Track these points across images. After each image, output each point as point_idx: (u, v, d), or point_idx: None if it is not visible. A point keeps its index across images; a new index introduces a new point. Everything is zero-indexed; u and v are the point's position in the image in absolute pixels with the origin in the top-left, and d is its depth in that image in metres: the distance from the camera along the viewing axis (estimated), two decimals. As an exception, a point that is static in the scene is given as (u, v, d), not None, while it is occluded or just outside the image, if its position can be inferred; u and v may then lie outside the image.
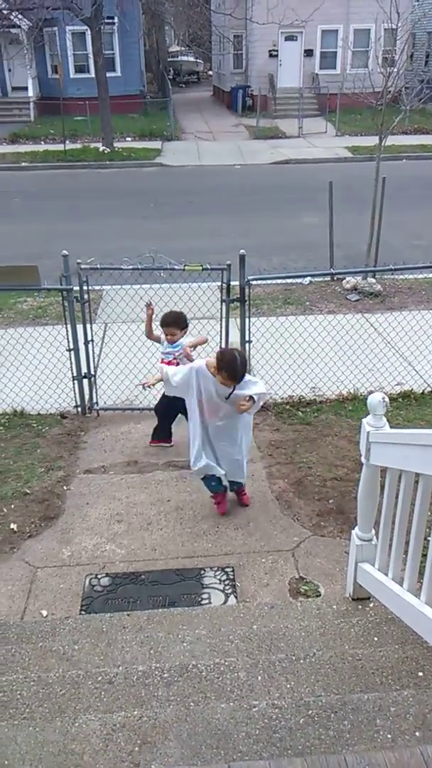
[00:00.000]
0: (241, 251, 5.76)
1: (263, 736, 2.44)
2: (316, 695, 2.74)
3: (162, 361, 5.25)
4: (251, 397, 4.24)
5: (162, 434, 5.66)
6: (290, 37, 27.98)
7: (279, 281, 9.24)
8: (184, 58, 48.54)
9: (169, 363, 5.25)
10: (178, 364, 5.12)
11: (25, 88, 27.39)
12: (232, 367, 4.08)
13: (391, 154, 16.67)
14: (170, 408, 5.41)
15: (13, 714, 2.75)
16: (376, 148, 9.68)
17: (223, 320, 5.94)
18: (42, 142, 22.94)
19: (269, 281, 8.71)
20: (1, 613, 3.89)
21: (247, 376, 4.32)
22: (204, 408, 4.35)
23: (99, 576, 4.20)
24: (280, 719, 2.52)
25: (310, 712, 2.55)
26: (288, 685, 2.83)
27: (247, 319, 5.97)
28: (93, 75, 22.13)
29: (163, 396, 5.38)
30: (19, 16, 24.25)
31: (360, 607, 3.49)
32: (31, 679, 2.94)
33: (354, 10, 26.59)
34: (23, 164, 20.25)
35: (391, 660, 2.96)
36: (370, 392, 3.16)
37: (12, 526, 4.66)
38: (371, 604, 3.48)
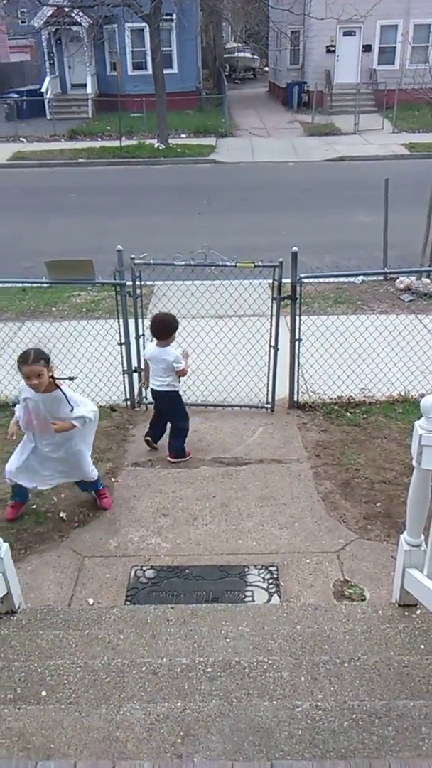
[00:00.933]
0: (294, 249, 5.72)
1: (306, 737, 2.44)
2: (360, 699, 2.72)
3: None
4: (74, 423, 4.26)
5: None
6: (348, 33, 27.58)
7: (331, 280, 9.15)
8: (241, 54, 48.43)
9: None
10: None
11: (84, 85, 27.88)
12: (22, 357, 4.08)
13: (450, 151, 16.29)
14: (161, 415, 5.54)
15: (60, 698, 2.82)
16: (436, 146, 9.45)
17: (274, 318, 5.92)
18: (99, 139, 23.30)
19: (321, 280, 8.63)
20: (49, 599, 3.99)
21: (78, 398, 4.33)
22: (33, 422, 4.30)
23: (144, 568, 4.26)
24: (324, 721, 2.50)
25: (354, 716, 2.53)
26: (332, 688, 2.81)
27: (297, 318, 5.93)
28: (150, 72, 22.34)
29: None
30: (80, 14, 24.69)
31: (407, 613, 3.44)
32: (78, 665, 3.01)
33: (414, 5, 26.04)
34: (80, 160, 20.61)
35: (438, 669, 2.91)
36: (422, 395, 3.09)
37: (62, 514, 4.77)
38: (418, 611, 3.42)
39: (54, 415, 4.24)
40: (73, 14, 24.61)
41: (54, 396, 4.21)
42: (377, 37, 27.65)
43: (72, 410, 4.22)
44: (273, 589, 4.05)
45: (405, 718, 2.50)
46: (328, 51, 28.01)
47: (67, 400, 4.21)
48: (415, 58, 24.43)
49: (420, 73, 10.53)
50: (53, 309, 8.78)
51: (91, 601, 3.99)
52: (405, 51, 26.68)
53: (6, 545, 3.37)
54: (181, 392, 5.57)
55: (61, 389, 4.21)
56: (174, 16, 25.62)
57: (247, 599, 3.97)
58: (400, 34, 26.49)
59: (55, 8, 23.90)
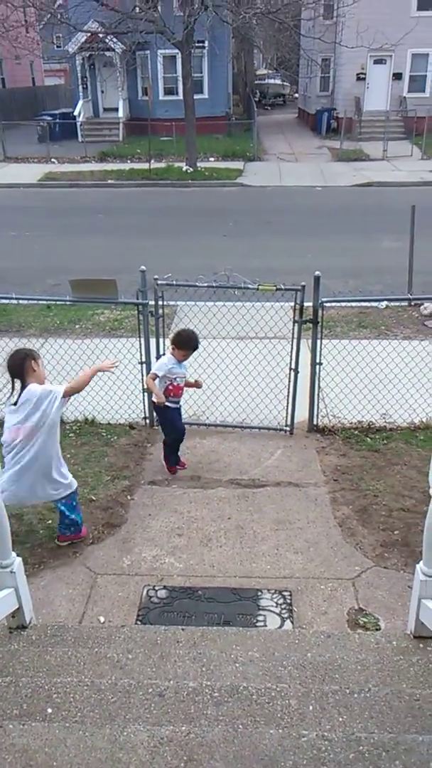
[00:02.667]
0: (317, 273, 5.74)
1: (310, 767, 2.39)
2: (369, 732, 2.65)
3: (173, 384, 5.33)
4: None
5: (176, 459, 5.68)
6: (379, 61, 27.88)
7: (354, 304, 9.13)
8: (271, 80, 49.27)
9: (178, 386, 5.37)
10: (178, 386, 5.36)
11: (116, 109, 28.50)
12: None
13: None
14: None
15: (65, 716, 2.80)
16: (463, 173, 9.44)
17: (295, 341, 5.92)
18: (128, 161, 23.73)
19: (343, 304, 8.61)
20: (61, 616, 3.98)
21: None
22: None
23: (156, 588, 4.24)
24: (330, 752, 2.45)
25: (361, 748, 2.48)
26: (340, 719, 2.75)
27: (318, 341, 5.93)
28: (181, 97, 22.77)
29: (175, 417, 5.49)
30: (114, 40, 25.33)
31: (421, 645, 3.36)
32: (85, 684, 2.99)
33: (446, 34, 26.25)
34: (109, 181, 20.99)
35: (451, 704, 2.83)
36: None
37: (76, 531, 4.78)
38: (433, 643, 3.34)
39: None
40: (107, 40, 25.26)
41: None
42: (408, 66, 27.91)
43: None
44: (286, 615, 3.99)
45: (413, 753, 2.43)
46: (358, 78, 28.34)
47: None
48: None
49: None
50: (76, 326, 8.89)
51: (102, 619, 3.98)
52: (436, 79, 26.86)
53: (19, 560, 3.38)
54: (206, 411, 5.60)
55: None
56: (206, 44, 26.15)
57: (259, 624, 3.92)
58: (431, 62, 26.68)
59: (90, 34, 24.54)
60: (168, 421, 5.48)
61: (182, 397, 5.56)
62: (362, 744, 2.48)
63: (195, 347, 5.32)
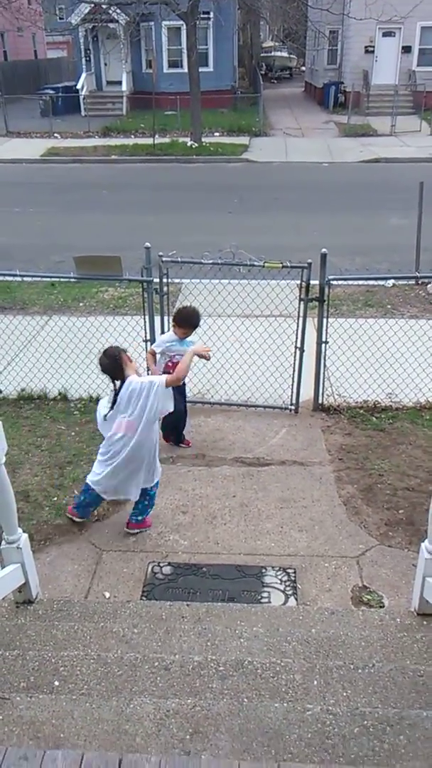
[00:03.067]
0: (323, 250, 5.68)
1: (315, 741, 2.41)
2: (373, 706, 2.68)
3: (172, 361, 5.25)
4: None
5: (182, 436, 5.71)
6: (388, 33, 27.28)
7: (360, 282, 9.07)
8: (278, 53, 48.31)
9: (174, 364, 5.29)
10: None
11: (119, 83, 28.06)
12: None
13: None
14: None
15: (72, 689, 2.84)
16: (472, 149, 9.29)
17: (301, 319, 5.89)
18: (132, 136, 23.41)
19: (350, 282, 8.56)
20: (67, 591, 4.02)
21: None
22: None
23: (161, 564, 4.27)
24: (334, 726, 2.48)
25: (366, 722, 2.50)
26: (344, 693, 2.78)
27: (324, 320, 5.89)
28: (185, 70, 22.37)
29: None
30: (118, 11, 24.84)
31: (425, 623, 3.39)
32: (91, 657, 3.03)
33: (457, 6, 25.63)
34: (113, 157, 20.74)
35: (454, 680, 2.85)
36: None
37: (82, 507, 4.80)
38: (437, 621, 3.37)
39: None
40: (110, 11, 24.78)
41: None
42: (417, 38, 27.27)
43: None
44: (290, 592, 4.02)
45: (417, 728, 2.46)
46: (366, 51, 27.75)
47: None
48: (455, 59, 24.10)
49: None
50: (80, 304, 8.85)
51: (107, 594, 4.02)
52: (445, 52, 26.32)
53: (25, 536, 3.41)
54: (210, 390, 5.55)
55: None
56: (211, 15, 25.66)
57: (263, 600, 3.96)
58: (440, 35, 26.13)
59: (93, 5, 24.07)
60: None
61: (187, 376, 5.52)
62: (366, 718, 2.50)
63: (195, 325, 5.25)
